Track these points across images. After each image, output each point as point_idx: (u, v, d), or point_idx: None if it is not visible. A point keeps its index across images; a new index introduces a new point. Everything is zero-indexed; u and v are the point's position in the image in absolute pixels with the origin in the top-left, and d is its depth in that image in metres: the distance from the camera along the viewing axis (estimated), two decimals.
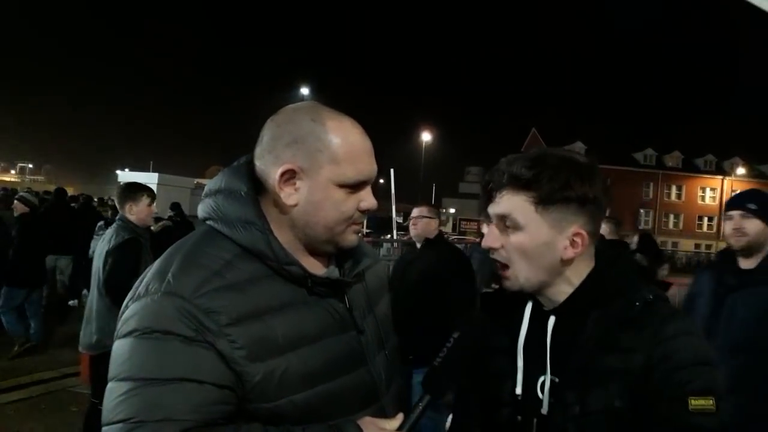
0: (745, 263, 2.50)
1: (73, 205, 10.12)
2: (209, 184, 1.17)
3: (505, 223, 1.10)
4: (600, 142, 41.31)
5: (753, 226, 2.43)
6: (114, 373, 0.98)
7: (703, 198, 48.16)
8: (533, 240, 1.08)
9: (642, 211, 47.92)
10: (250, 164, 1.13)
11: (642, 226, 46.32)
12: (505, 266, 1.12)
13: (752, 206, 2.45)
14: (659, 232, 46.94)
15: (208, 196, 1.15)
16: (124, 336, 0.99)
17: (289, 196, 1.07)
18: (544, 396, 1.09)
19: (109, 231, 3.73)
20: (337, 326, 1.12)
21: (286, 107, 1.13)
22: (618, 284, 1.11)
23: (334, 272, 1.17)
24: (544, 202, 1.06)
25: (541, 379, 1.10)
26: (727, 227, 2.52)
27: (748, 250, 2.46)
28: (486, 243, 1.14)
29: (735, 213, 2.49)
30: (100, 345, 3.46)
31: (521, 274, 1.11)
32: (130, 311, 1.01)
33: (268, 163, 1.08)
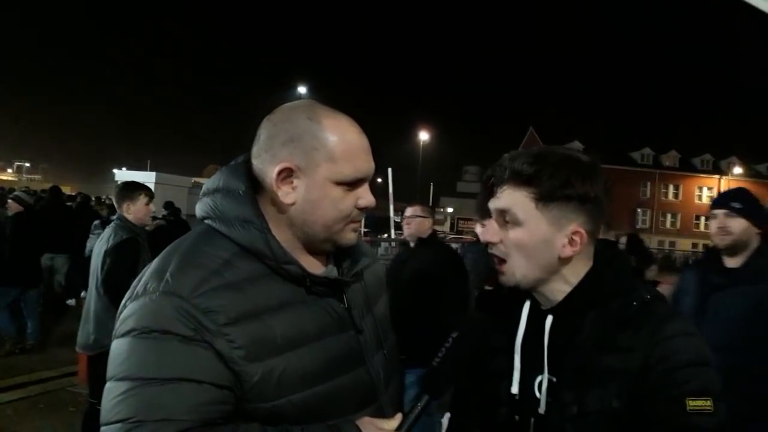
0: (731, 262, 2.49)
1: (69, 204, 10.10)
2: (207, 183, 1.17)
3: (505, 218, 1.10)
4: (597, 142, 41.38)
5: (737, 225, 2.43)
6: (112, 373, 0.98)
7: (700, 197, 48.18)
8: (532, 236, 1.08)
9: (639, 210, 47.97)
10: (248, 163, 1.13)
11: (639, 226, 46.39)
12: (502, 261, 1.13)
13: (737, 205, 2.45)
14: (656, 231, 47.03)
15: (206, 195, 1.15)
16: (123, 335, 0.99)
17: (286, 194, 1.07)
18: (541, 395, 1.09)
19: (108, 230, 3.72)
20: (335, 326, 1.12)
21: (283, 106, 1.13)
22: (616, 284, 1.11)
23: (332, 271, 1.17)
24: (544, 198, 1.06)
25: (539, 378, 1.10)
26: (712, 226, 2.52)
27: (733, 249, 2.46)
28: (485, 237, 1.15)
29: (720, 212, 2.49)
30: (98, 345, 3.45)
31: (518, 269, 1.11)
32: (129, 311, 1.01)
33: (265, 162, 1.08)
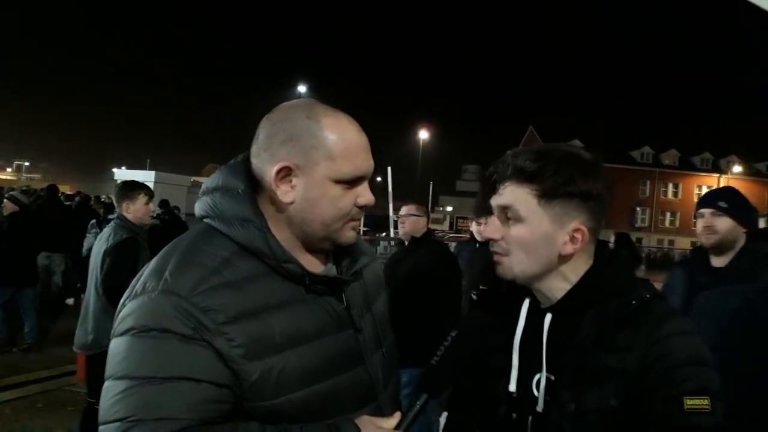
0: (717, 261, 2.49)
1: (69, 203, 10.10)
2: (206, 182, 1.17)
3: (507, 215, 1.10)
4: (597, 141, 41.34)
5: (723, 224, 2.42)
6: (111, 372, 0.98)
7: (699, 196, 48.22)
8: (533, 233, 1.08)
9: (638, 209, 48.03)
10: (247, 162, 1.13)
11: (638, 225, 46.47)
12: (502, 255, 1.13)
13: (723, 204, 2.45)
14: (656, 230, 47.09)
15: (205, 194, 1.14)
16: (121, 334, 0.99)
17: (285, 193, 1.07)
18: (539, 394, 1.09)
19: (107, 230, 3.71)
20: (334, 324, 1.12)
21: (282, 105, 1.13)
22: (615, 283, 1.11)
23: (331, 270, 1.17)
24: (546, 195, 1.06)
25: (537, 377, 1.10)
26: (699, 225, 2.51)
27: (719, 248, 2.46)
28: (486, 234, 1.15)
29: (706, 211, 2.48)
30: (97, 345, 3.45)
31: (517, 265, 1.11)
32: (127, 309, 1.01)
33: (264, 161, 1.08)
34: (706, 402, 0.96)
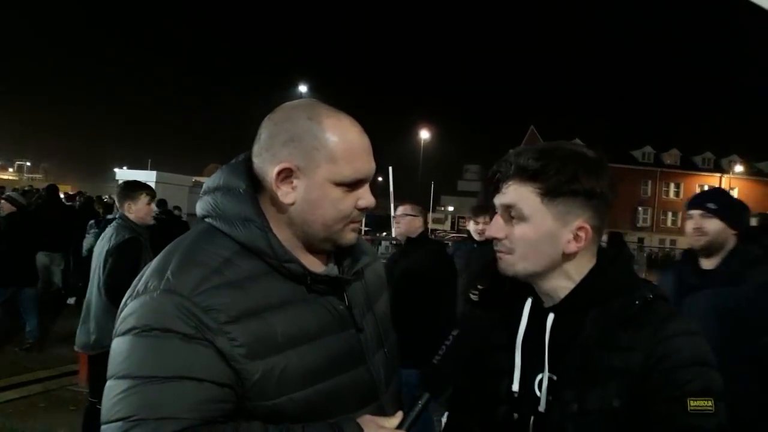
0: (706, 263, 2.47)
1: (70, 203, 10.11)
2: (208, 181, 1.17)
3: (510, 214, 1.10)
4: (598, 140, 41.27)
5: (713, 225, 2.40)
6: (113, 371, 0.97)
7: None
8: (537, 231, 1.08)
9: (640, 208, 47.99)
10: (249, 162, 1.13)
11: (640, 224, 46.42)
12: (505, 252, 1.12)
13: (712, 206, 2.42)
14: (657, 229, 47.03)
15: (206, 194, 1.14)
16: (123, 334, 0.99)
17: (286, 194, 1.07)
18: (541, 394, 1.09)
19: (109, 230, 3.71)
20: (336, 324, 1.12)
21: (284, 105, 1.12)
22: (618, 282, 1.10)
23: (333, 270, 1.17)
24: (550, 194, 1.06)
25: (539, 376, 1.10)
26: (688, 226, 2.49)
27: (708, 250, 2.44)
28: (490, 233, 1.14)
29: (695, 212, 2.46)
30: (99, 345, 3.45)
31: (519, 263, 1.10)
32: (129, 309, 1.01)
33: (266, 161, 1.07)
34: (709, 403, 0.96)
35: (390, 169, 13.24)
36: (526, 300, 1.17)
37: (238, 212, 1.07)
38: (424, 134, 41.65)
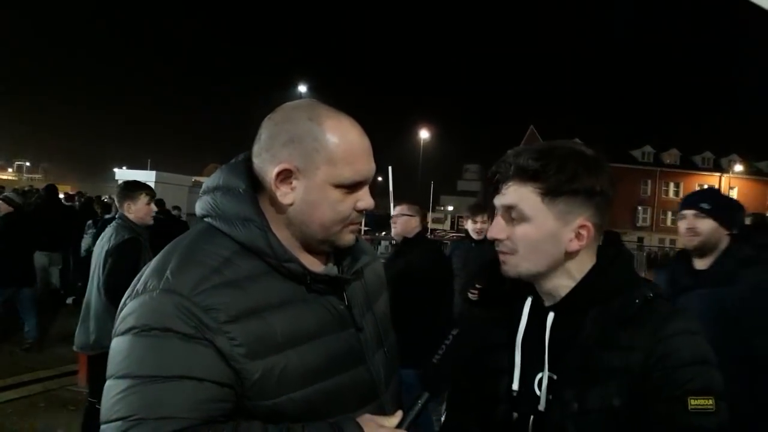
0: (699, 264, 2.45)
1: (69, 203, 10.11)
2: (207, 181, 1.17)
3: (511, 215, 1.10)
4: (598, 140, 41.31)
5: (706, 226, 2.39)
6: (112, 371, 0.97)
7: None
8: (539, 231, 1.08)
9: (640, 208, 48.01)
10: (248, 162, 1.13)
11: (640, 224, 46.43)
12: (507, 254, 1.12)
13: (705, 206, 2.41)
14: (657, 229, 47.05)
15: (206, 194, 1.14)
16: (123, 333, 0.99)
17: (285, 195, 1.07)
18: (541, 393, 1.09)
19: (109, 230, 3.71)
20: (336, 324, 1.12)
21: (285, 105, 1.12)
22: (619, 281, 1.10)
23: (333, 269, 1.17)
24: (551, 193, 1.06)
25: (539, 375, 1.10)
26: (681, 227, 2.48)
27: (702, 250, 2.43)
28: (491, 234, 1.14)
29: (688, 212, 2.45)
30: (99, 345, 3.45)
31: (523, 264, 1.10)
32: (128, 308, 1.01)
33: (265, 162, 1.07)
34: (710, 402, 0.96)
35: (390, 168, 13.23)
36: (525, 299, 1.17)
37: (238, 212, 1.07)
38: (424, 134, 41.69)
